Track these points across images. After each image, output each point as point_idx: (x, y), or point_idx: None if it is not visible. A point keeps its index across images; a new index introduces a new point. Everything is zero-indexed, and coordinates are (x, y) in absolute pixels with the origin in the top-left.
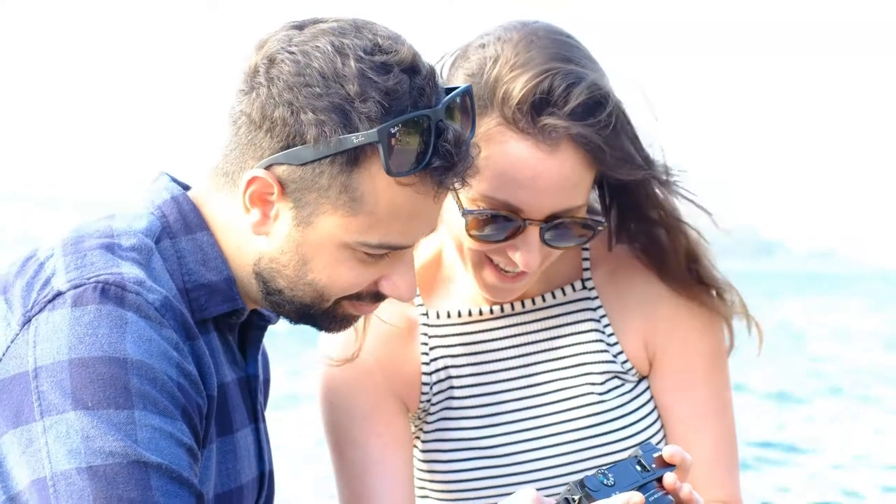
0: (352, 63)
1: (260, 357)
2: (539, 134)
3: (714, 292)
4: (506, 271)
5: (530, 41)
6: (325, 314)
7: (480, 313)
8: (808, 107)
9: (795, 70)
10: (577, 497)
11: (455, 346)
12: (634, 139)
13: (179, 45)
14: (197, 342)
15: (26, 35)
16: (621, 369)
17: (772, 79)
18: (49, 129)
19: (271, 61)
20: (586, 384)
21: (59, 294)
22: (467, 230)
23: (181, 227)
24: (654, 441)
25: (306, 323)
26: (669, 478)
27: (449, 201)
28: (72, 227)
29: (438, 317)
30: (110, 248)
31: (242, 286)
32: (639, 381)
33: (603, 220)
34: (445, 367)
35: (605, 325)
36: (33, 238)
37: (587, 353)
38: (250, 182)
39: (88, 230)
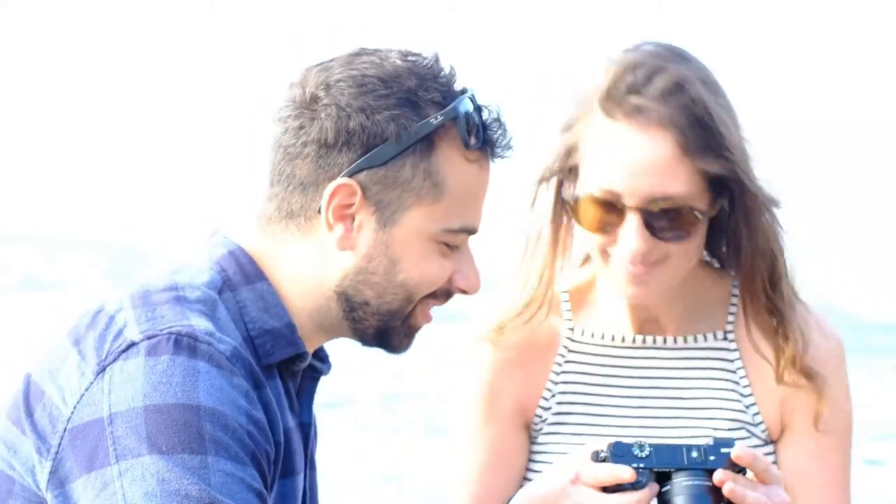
0: (398, 63)
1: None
2: (628, 117)
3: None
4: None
5: (632, 47)
6: (404, 324)
7: (623, 340)
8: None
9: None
10: (602, 454)
11: (588, 365)
12: (720, 133)
13: (179, 45)
14: (264, 390)
15: (22, 45)
16: (751, 421)
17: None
18: (45, 159)
19: (327, 87)
20: (709, 429)
21: (132, 344)
22: (579, 224)
23: (241, 278)
24: None
25: (381, 342)
26: (739, 451)
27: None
28: (137, 283)
29: (583, 334)
30: (178, 301)
31: (303, 332)
32: (766, 443)
33: (706, 212)
34: (570, 384)
35: (742, 377)
36: (36, 280)
37: (716, 399)
38: (334, 194)
39: (154, 285)
